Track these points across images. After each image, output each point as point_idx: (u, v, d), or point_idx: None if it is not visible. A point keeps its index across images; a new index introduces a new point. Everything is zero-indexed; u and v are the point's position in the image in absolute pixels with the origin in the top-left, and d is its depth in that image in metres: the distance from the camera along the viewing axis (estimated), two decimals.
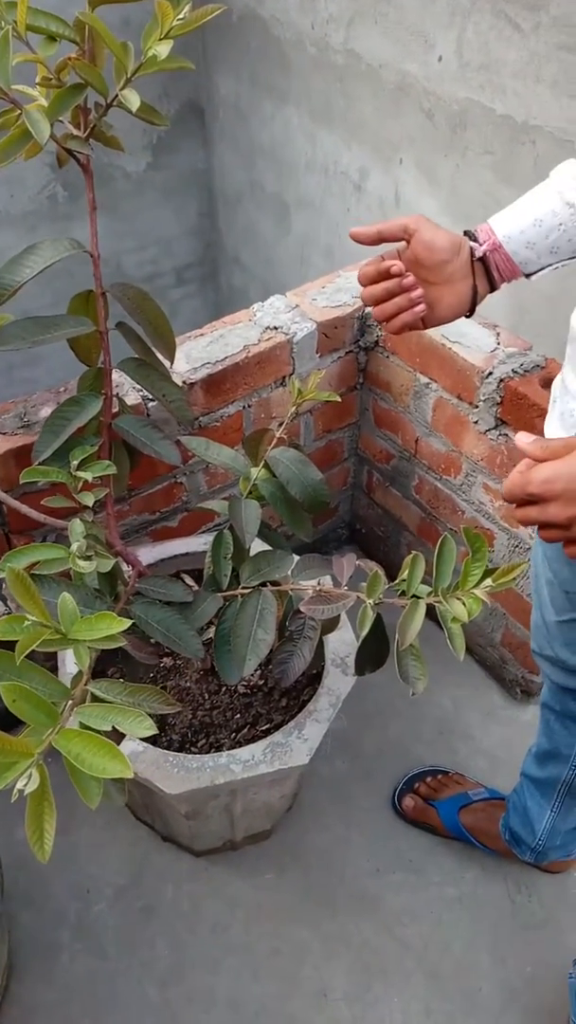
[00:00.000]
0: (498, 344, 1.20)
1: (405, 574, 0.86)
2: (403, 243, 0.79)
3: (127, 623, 0.69)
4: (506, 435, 1.20)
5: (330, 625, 0.96)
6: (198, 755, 0.99)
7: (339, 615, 0.89)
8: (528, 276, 0.83)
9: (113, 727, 0.66)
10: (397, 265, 0.76)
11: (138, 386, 1.15)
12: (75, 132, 0.82)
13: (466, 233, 0.81)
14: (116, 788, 0.74)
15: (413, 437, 1.39)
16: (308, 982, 1.16)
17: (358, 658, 0.91)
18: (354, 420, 1.51)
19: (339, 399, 1.04)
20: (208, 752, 1.04)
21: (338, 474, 1.59)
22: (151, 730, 0.65)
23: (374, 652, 0.90)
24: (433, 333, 1.24)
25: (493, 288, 0.83)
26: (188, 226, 2.94)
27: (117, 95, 0.79)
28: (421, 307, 0.77)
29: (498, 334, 1.22)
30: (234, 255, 2.92)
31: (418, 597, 0.84)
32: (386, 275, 0.77)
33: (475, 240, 0.80)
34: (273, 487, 1.03)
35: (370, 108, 1.95)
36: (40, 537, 1.18)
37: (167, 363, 0.96)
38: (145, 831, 1.29)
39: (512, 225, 0.79)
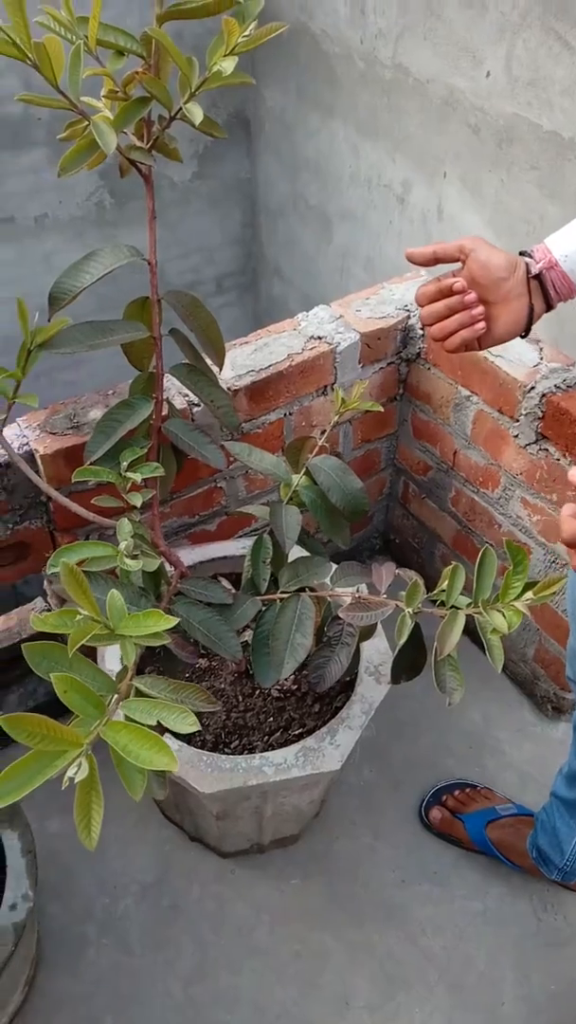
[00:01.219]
0: (541, 359, 1.21)
1: (444, 584, 0.86)
2: (459, 264, 0.80)
3: (174, 620, 0.71)
4: (546, 450, 1.20)
5: (367, 632, 0.97)
6: (231, 756, 1.01)
7: (377, 623, 0.90)
8: None
9: (158, 722, 0.67)
10: (460, 282, 0.77)
11: (184, 391, 1.18)
12: (138, 143, 0.85)
13: (521, 253, 0.82)
14: (158, 782, 0.76)
15: (452, 449, 1.40)
16: (330, 988, 1.16)
17: (394, 666, 0.92)
18: (393, 431, 1.52)
19: (381, 409, 1.05)
20: (241, 754, 1.05)
21: (374, 484, 1.60)
22: (195, 726, 0.66)
23: (411, 661, 0.91)
24: None
25: (550, 307, 0.84)
26: (231, 235, 2.98)
27: (181, 108, 0.81)
28: (481, 324, 0.78)
29: (541, 349, 1.23)
30: (275, 265, 2.95)
31: (457, 608, 0.84)
32: (448, 293, 0.78)
33: (531, 258, 0.81)
34: (314, 494, 1.05)
35: (416, 122, 1.97)
36: (84, 535, 1.21)
37: (216, 369, 0.98)
38: (173, 830, 1.30)
39: (568, 243, 0.80)
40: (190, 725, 0.66)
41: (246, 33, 0.77)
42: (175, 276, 2.90)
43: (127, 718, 0.67)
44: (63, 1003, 1.13)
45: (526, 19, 1.56)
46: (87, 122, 0.82)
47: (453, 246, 0.79)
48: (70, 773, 0.58)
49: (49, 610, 1.36)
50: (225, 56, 0.78)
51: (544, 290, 0.82)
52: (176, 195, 2.73)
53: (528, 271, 0.80)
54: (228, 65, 0.77)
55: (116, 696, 0.71)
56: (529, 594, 0.78)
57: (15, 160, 2.48)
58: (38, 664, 0.67)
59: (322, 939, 1.21)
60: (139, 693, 0.75)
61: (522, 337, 0.84)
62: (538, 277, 0.81)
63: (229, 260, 3.04)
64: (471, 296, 0.78)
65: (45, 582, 1.32)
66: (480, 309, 0.78)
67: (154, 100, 0.83)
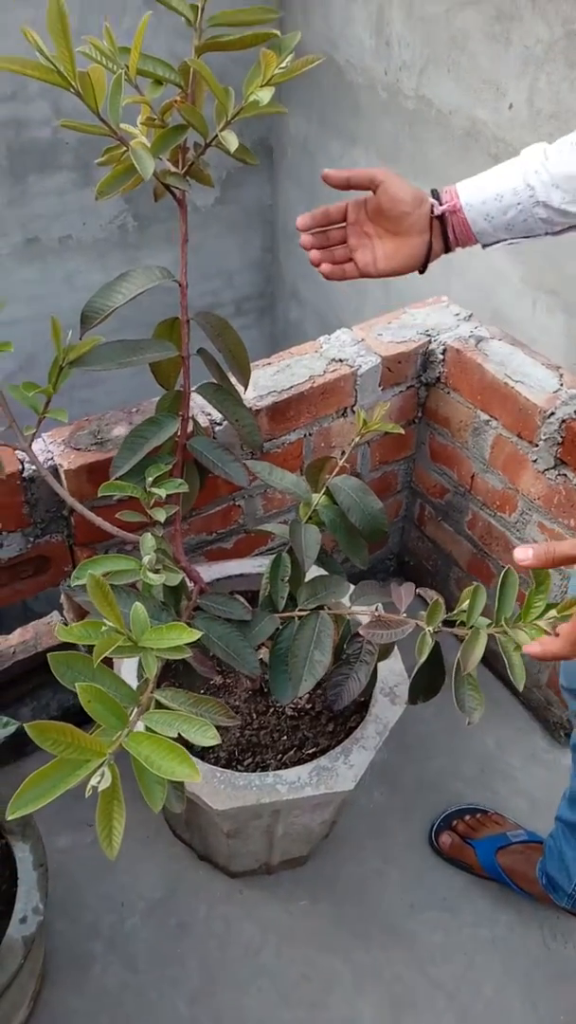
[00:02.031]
0: (561, 385, 1.22)
1: (465, 604, 0.87)
2: (366, 194, 0.86)
3: (198, 634, 0.72)
4: (565, 475, 1.21)
5: (385, 651, 0.97)
6: (245, 773, 1.01)
7: (395, 642, 0.90)
8: (484, 247, 0.89)
9: (179, 734, 0.68)
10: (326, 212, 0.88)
11: (207, 410, 1.19)
12: (173, 169, 0.87)
13: (432, 192, 0.86)
14: (176, 795, 0.76)
15: (469, 473, 1.41)
16: (337, 1012, 1.15)
17: (412, 686, 0.93)
18: (410, 453, 1.53)
19: (403, 431, 1.07)
20: (254, 771, 1.06)
21: (391, 505, 1.61)
22: (215, 740, 0.67)
23: (429, 681, 0.91)
24: (496, 371, 1.26)
25: (448, 249, 0.88)
26: (250, 259, 3.02)
27: (216, 136, 0.83)
28: (349, 265, 0.89)
29: (561, 375, 1.24)
30: (292, 289, 2.99)
31: (478, 628, 0.85)
32: (324, 222, 0.87)
33: (439, 200, 0.85)
34: (333, 514, 1.06)
35: (438, 151, 2.00)
36: (102, 550, 1.22)
37: (241, 389, 1.00)
38: (182, 848, 1.30)
39: (475, 194, 0.84)
40: (211, 738, 0.67)
41: (282, 65, 0.79)
42: (195, 298, 2.95)
43: (148, 729, 0.68)
44: (68, 1019, 1.12)
45: (549, 53, 1.59)
46: (125, 148, 0.84)
47: (365, 175, 0.84)
48: (93, 782, 0.59)
49: (66, 623, 1.37)
50: (262, 87, 0.80)
51: (444, 232, 0.86)
52: (198, 219, 2.78)
53: (432, 210, 0.84)
54: (265, 95, 0.79)
55: (137, 708, 0.71)
56: (552, 612, 0.78)
57: (42, 182, 2.54)
58: (63, 674, 0.68)
59: (330, 962, 1.20)
60: (159, 705, 0.75)
61: (419, 273, 0.88)
62: (441, 218, 0.84)
63: (248, 283, 3.09)
64: (335, 233, 0.87)
65: (62, 596, 1.34)
66: (342, 251, 0.88)
67: (190, 128, 0.86)
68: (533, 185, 0.82)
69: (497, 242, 0.87)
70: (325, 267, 0.91)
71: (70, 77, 0.77)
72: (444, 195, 0.85)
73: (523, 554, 0.68)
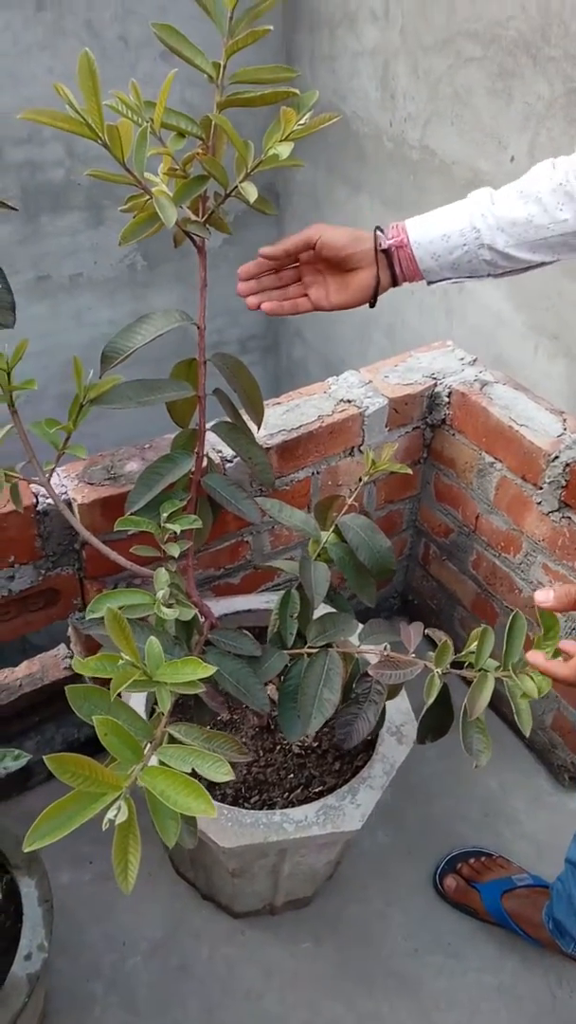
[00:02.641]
0: (565, 429, 1.24)
1: (473, 646, 0.88)
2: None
3: (212, 669, 0.72)
4: (569, 518, 1.23)
5: (394, 691, 0.98)
6: (252, 811, 1.01)
7: (404, 681, 0.91)
8: (428, 283, 0.92)
9: (192, 769, 0.68)
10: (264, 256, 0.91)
11: (218, 447, 1.21)
12: (194, 217, 0.90)
13: (377, 228, 0.90)
14: (188, 831, 0.76)
15: (474, 513, 1.42)
16: None
17: (420, 726, 0.93)
18: (415, 493, 1.55)
19: (410, 472, 1.09)
20: (260, 809, 1.05)
21: (395, 544, 1.63)
22: (229, 775, 0.67)
23: (437, 722, 0.91)
24: (500, 415, 1.28)
25: (395, 283, 0.91)
26: None
27: (236, 186, 0.86)
28: (302, 301, 0.93)
29: (564, 420, 1.27)
30: (296, 329, 3.04)
31: (486, 670, 0.86)
32: (267, 269, 0.91)
33: (382, 234, 0.89)
34: (342, 551, 1.07)
35: (441, 200, 2.05)
36: (112, 584, 1.23)
37: (254, 428, 1.02)
38: (184, 887, 1.29)
39: (423, 232, 0.88)
40: (224, 774, 0.67)
41: (301, 122, 0.83)
42: None
43: (161, 764, 0.69)
44: None
45: (550, 110, 1.65)
46: (148, 196, 0.88)
47: (301, 241, 0.89)
48: (110, 815, 0.59)
49: (72, 656, 1.38)
50: (281, 141, 0.83)
51: (391, 265, 0.89)
52: (207, 260, 2.84)
53: (377, 244, 0.88)
54: (284, 149, 0.83)
55: (151, 742, 0.72)
56: (559, 659, 0.79)
57: (54, 222, 2.60)
58: (80, 706, 0.69)
59: (333, 1007, 1.18)
60: (171, 740, 0.76)
61: (370, 306, 0.91)
62: (387, 252, 0.88)
63: (253, 323, 3.14)
64: (287, 273, 0.91)
65: (70, 628, 1.34)
66: (295, 288, 0.92)
67: (210, 179, 0.89)
68: (479, 227, 0.86)
69: (442, 279, 0.91)
70: (267, 305, 0.94)
71: (99, 130, 0.81)
72: (390, 230, 0.90)
73: (544, 596, 0.70)
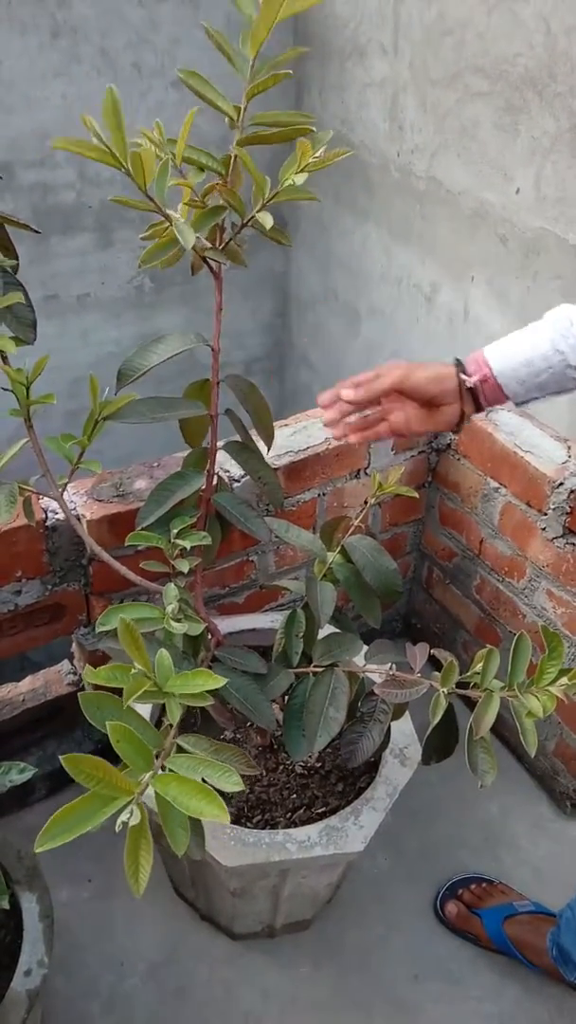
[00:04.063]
0: (569, 456, 1.26)
1: (478, 667, 0.89)
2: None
3: (222, 680, 0.73)
4: (573, 544, 1.24)
5: (399, 711, 0.99)
6: (255, 830, 1.01)
7: (408, 701, 0.91)
8: (516, 404, 0.91)
9: (202, 779, 0.69)
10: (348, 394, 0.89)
11: (225, 467, 1.23)
12: (209, 245, 0.93)
13: (457, 362, 0.89)
14: (196, 841, 0.77)
15: (478, 538, 1.43)
16: None
17: (426, 747, 0.93)
18: (420, 516, 1.56)
19: (416, 495, 1.10)
20: (263, 828, 1.05)
21: (399, 567, 1.63)
22: (238, 785, 0.68)
23: (443, 742, 0.92)
24: (506, 441, 1.30)
25: (479, 410, 0.91)
26: (261, 323, 3.11)
27: (253, 216, 0.89)
28: (383, 425, 0.92)
29: (569, 448, 1.28)
30: (302, 354, 3.07)
31: (491, 690, 0.86)
32: (348, 411, 0.90)
33: (464, 370, 0.88)
34: (348, 572, 1.08)
35: (447, 229, 2.10)
36: (118, 599, 1.24)
37: (264, 449, 1.03)
38: (184, 907, 1.28)
39: (504, 362, 0.87)
40: (234, 784, 0.68)
41: (316, 155, 0.85)
42: (205, 357, 3.02)
43: (171, 772, 0.69)
44: None
45: (555, 144, 1.68)
46: (168, 224, 0.90)
47: (386, 386, 0.88)
48: (123, 818, 0.60)
49: (75, 672, 1.38)
50: (297, 173, 0.86)
51: (475, 398, 0.89)
52: (211, 283, 2.87)
53: (462, 383, 0.87)
54: (300, 179, 0.85)
55: (162, 752, 0.72)
56: (564, 680, 0.80)
57: (63, 243, 2.64)
58: (93, 713, 0.69)
59: None
60: (180, 751, 0.76)
61: (454, 433, 0.91)
62: (471, 389, 0.88)
63: (258, 346, 3.17)
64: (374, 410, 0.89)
65: (74, 644, 1.35)
66: (375, 416, 0.91)
67: (228, 209, 0.92)
68: (563, 351, 0.84)
69: (530, 400, 0.90)
70: (353, 436, 0.93)
71: (123, 159, 0.83)
72: (471, 365, 0.88)
73: None
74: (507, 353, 0.87)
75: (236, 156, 0.88)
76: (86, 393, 0.92)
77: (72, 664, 1.39)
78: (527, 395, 0.89)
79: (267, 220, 0.87)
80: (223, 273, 1.00)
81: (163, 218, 0.86)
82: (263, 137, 0.86)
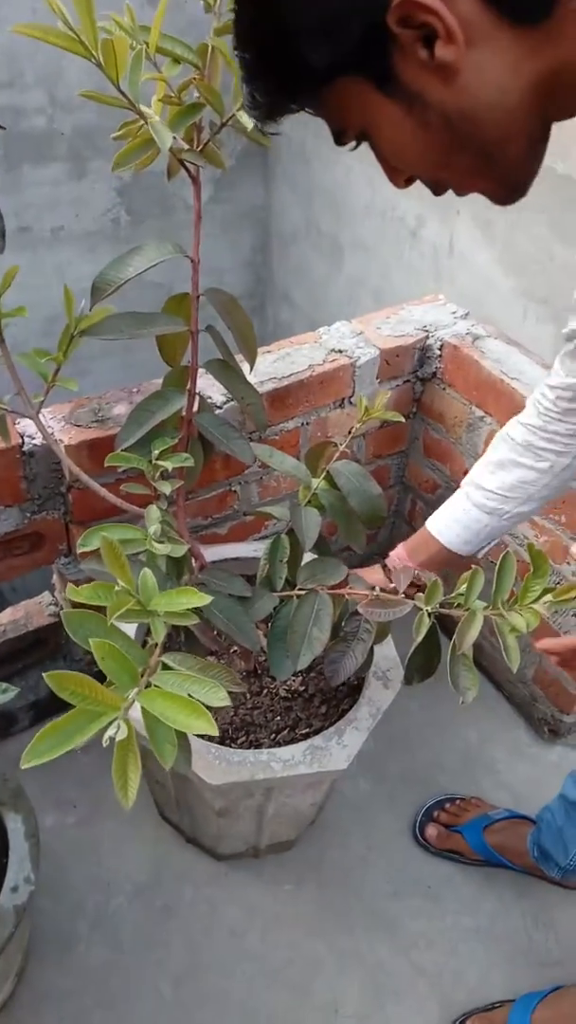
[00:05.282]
0: None
1: (463, 588, 0.89)
2: None
3: (208, 598, 0.72)
4: None
5: (383, 631, 0.99)
6: (240, 750, 1.01)
7: (391, 621, 0.91)
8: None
9: (188, 694, 0.68)
10: None
11: (206, 393, 1.20)
12: (187, 147, 0.88)
13: None
14: (183, 757, 0.77)
15: (462, 469, 1.43)
16: (320, 995, 1.16)
17: (408, 666, 0.94)
18: (403, 448, 1.55)
19: (403, 420, 1.08)
20: (248, 749, 1.06)
21: None
22: (225, 701, 0.67)
23: (425, 661, 0.92)
24: (492, 368, 1.28)
25: None
26: (241, 259, 3.04)
27: (233, 115, 0.85)
28: None
29: None
30: (284, 291, 3.01)
31: (474, 610, 0.87)
32: None
33: None
34: (333, 498, 1.07)
35: None
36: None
37: (247, 368, 1.01)
38: (169, 831, 1.30)
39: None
40: (221, 699, 0.67)
41: None
42: (184, 283, 2.95)
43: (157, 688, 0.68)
44: (52, 997, 1.11)
45: None
46: (143, 122, 0.85)
47: None
48: (110, 733, 0.59)
49: (56, 603, 1.37)
50: None
51: None
52: (190, 217, 2.79)
53: None
54: None
55: (147, 669, 0.72)
56: (548, 597, 0.80)
57: (35, 172, 2.54)
58: (76, 631, 0.68)
59: (314, 946, 1.20)
60: (166, 668, 0.76)
61: None
62: None
63: (238, 283, 3.10)
64: None
65: (55, 575, 1.33)
66: None
67: (206, 106, 0.87)
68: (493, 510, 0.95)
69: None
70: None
71: (92, 47, 0.79)
72: None
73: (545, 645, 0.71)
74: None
75: (213, 47, 0.83)
76: (61, 331, 0.89)
77: (53, 595, 1.38)
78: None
79: (248, 119, 0.83)
80: (203, 207, 0.96)
81: (137, 116, 0.81)
82: None
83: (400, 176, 0.61)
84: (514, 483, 0.92)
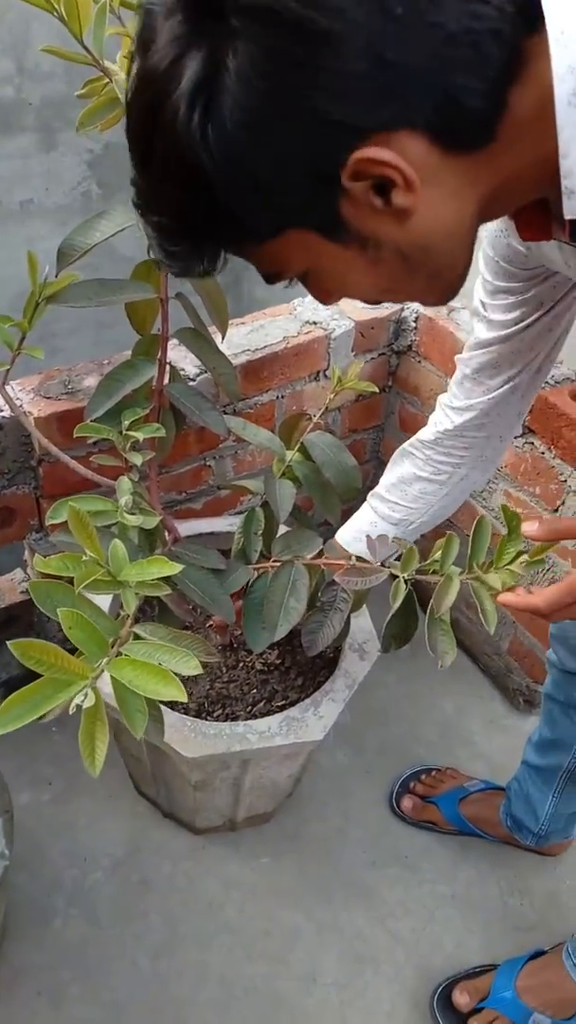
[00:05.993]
0: None
1: (438, 554, 0.89)
2: None
3: (178, 567, 0.71)
4: (532, 443, 1.24)
5: (359, 600, 0.98)
6: (215, 723, 1.01)
7: (368, 589, 0.91)
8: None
9: (159, 663, 0.67)
10: None
11: (178, 365, 1.18)
12: None
13: None
14: (155, 727, 0.76)
15: None
16: (299, 965, 1.17)
17: (385, 634, 0.94)
18: (379, 423, 1.54)
19: (377, 390, 1.08)
20: (224, 722, 1.06)
21: None
22: (197, 669, 0.67)
23: (402, 628, 0.92)
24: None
25: None
26: None
27: None
28: None
29: None
30: None
31: (451, 576, 0.86)
32: None
33: None
34: (307, 470, 1.06)
35: None
36: None
37: (218, 338, 0.99)
38: (145, 806, 1.29)
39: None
40: (193, 668, 0.67)
41: None
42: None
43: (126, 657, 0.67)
44: (28, 972, 1.11)
45: None
46: (107, 80, 0.83)
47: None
48: (77, 700, 0.59)
49: (28, 580, 1.35)
50: None
51: None
52: None
53: None
54: None
55: (118, 640, 0.71)
56: (524, 557, 0.80)
57: (3, 144, 2.47)
58: (44, 601, 0.67)
59: (292, 918, 1.21)
60: (137, 639, 0.75)
61: None
62: None
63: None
64: None
65: (26, 551, 1.31)
66: None
67: None
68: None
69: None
70: None
71: (55, 0, 0.76)
72: None
73: (530, 527, 0.70)
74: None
75: None
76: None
77: (26, 572, 1.36)
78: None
79: None
80: None
81: (101, 73, 0.79)
82: None
83: (334, 299, 0.59)
84: (416, 495, 0.99)
